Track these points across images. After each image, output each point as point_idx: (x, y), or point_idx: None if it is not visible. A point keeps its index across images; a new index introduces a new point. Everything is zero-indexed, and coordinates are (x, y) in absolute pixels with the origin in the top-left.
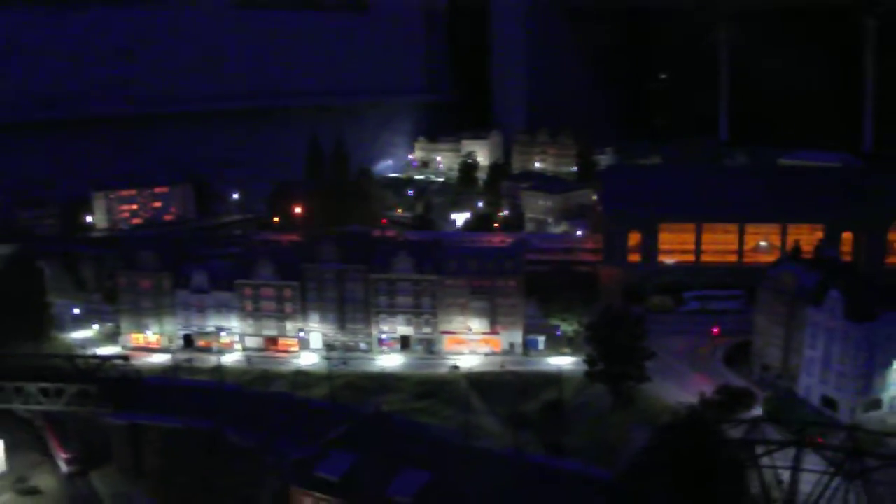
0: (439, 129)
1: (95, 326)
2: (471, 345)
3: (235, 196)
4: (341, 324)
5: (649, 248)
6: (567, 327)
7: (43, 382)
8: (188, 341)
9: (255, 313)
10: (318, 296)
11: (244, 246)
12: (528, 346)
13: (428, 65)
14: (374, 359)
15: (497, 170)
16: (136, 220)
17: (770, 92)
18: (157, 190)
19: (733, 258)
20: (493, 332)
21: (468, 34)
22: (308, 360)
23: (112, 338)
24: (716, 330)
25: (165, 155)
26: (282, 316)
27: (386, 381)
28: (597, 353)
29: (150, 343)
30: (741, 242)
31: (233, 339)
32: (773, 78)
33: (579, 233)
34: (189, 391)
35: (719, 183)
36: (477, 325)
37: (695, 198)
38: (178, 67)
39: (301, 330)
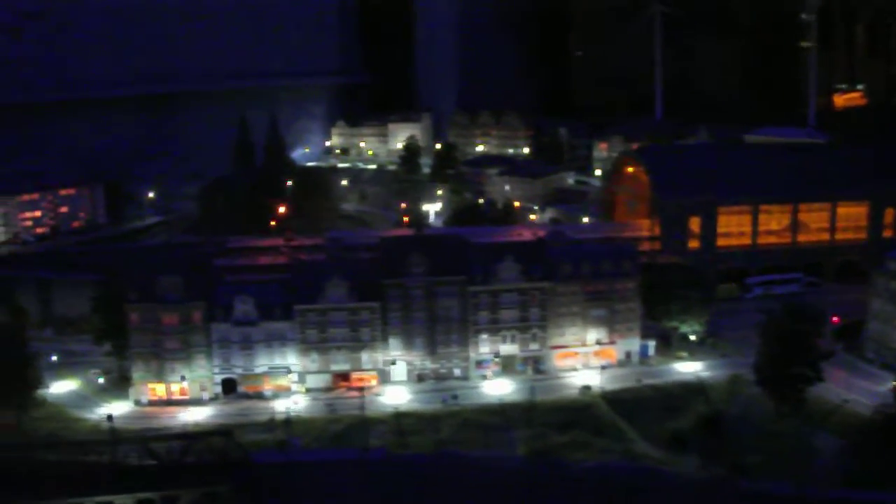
0: (356, 113)
1: (85, 376)
2: (584, 358)
3: (150, 195)
4: (431, 348)
5: (708, 233)
6: (687, 329)
7: (138, 492)
8: (229, 387)
9: (321, 345)
10: (404, 317)
11: (292, 261)
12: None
13: (342, 46)
14: (475, 387)
15: (446, 154)
16: (39, 230)
17: (701, 68)
18: (63, 192)
19: (787, 239)
20: (611, 341)
21: (383, 13)
22: (395, 397)
23: (112, 390)
24: (835, 319)
25: (66, 150)
26: (356, 345)
27: (509, 414)
28: (771, 353)
29: (174, 394)
30: (795, 223)
31: (291, 380)
32: (707, 54)
33: (586, 220)
34: (326, 468)
35: (768, 163)
36: (593, 335)
37: (748, 179)
38: (74, 48)
39: (392, 360)
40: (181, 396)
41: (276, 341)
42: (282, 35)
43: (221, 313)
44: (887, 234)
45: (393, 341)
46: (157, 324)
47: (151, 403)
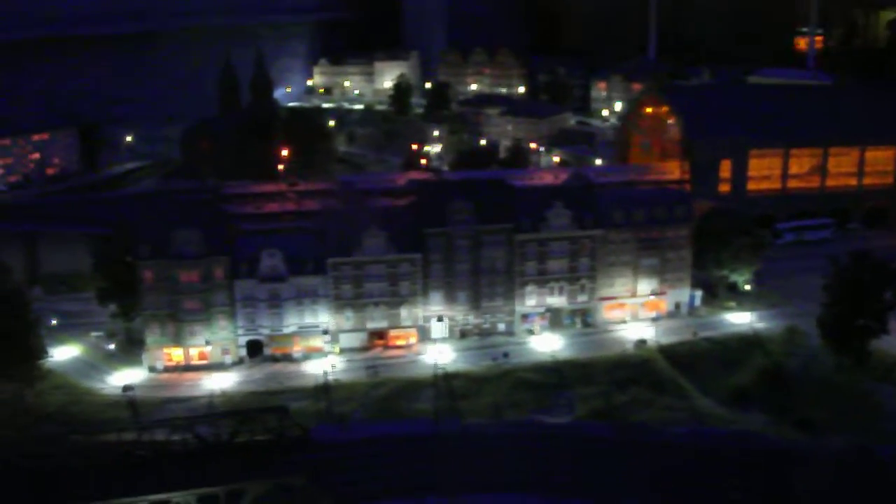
0: (339, 51)
1: (87, 340)
2: (633, 310)
3: (128, 139)
4: (475, 302)
5: (739, 177)
6: (738, 277)
7: (199, 487)
8: (254, 349)
9: (356, 301)
10: (446, 269)
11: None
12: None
13: None
14: (522, 342)
15: (439, 93)
16: (12, 178)
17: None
18: (36, 138)
19: (815, 184)
20: (662, 292)
21: None
22: (439, 355)
23: (121, 356)
24: None
25: (38, 93)
26: (394, 301)
27: (565, 371)
28: (839, 304)
29: (193, 359)
30: (825, 167)
31: (324, 340)
32: None
33: (598, 161)
34: (394, 443)
35: (797, 105)
36: (644, 285)
37: (778, 121)
38: None
39: (439, 317)
40: (200, 361)
41: (306, 298)
42: None
43: (246, 269)
44: None
45: (434, 295)
46: (174, 282)
47: (167, 370)
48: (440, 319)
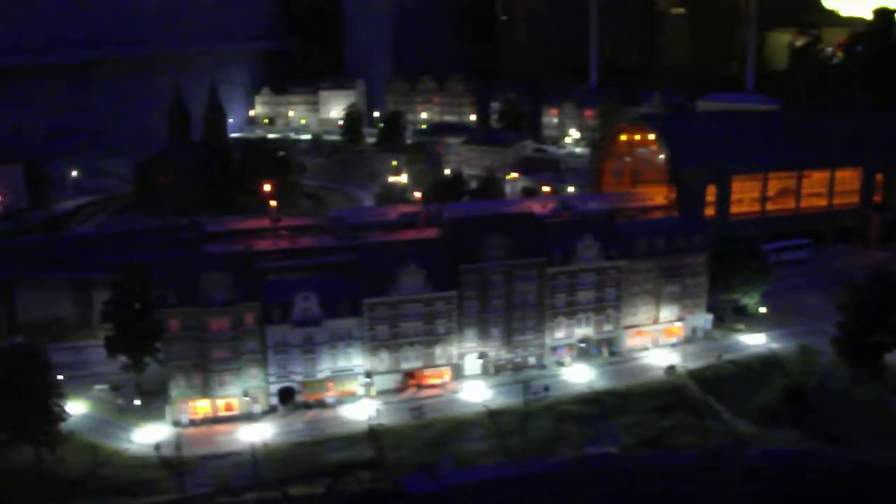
0: (280, 81)
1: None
2: (654, 337)
3: (74, 174)
4: (507, 337)
5: (723, 201)
6: (748, 300)
7: None
8: (286, 396)
9: (392, 342)
10: (480, 305)
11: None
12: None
13: (264, 8)
14: (554, 375)
15: (393, 122)
16: None
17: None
18: None
19: (791, 206)
20: (681, 318)
21: None
22: (475, 393)
23: (138, 411)
24: None
25: None
26: (430, 340)
27: (604, 401)
28: (856, 321)
29: (220, 409)
30: (799, 189)
31: (363, 383)
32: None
33: (571, 189)
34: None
35: (772, 130)
36: (667, 312)
37: (757, 146)
38: None
39: (478, 354)
40: (228, 412)
41: (341, 341)
42: None
43: (279, 313)
44: (877, 198)
45: (468, 332)
46: (203, 331)
47: (193, 423)
48: (481, 357)
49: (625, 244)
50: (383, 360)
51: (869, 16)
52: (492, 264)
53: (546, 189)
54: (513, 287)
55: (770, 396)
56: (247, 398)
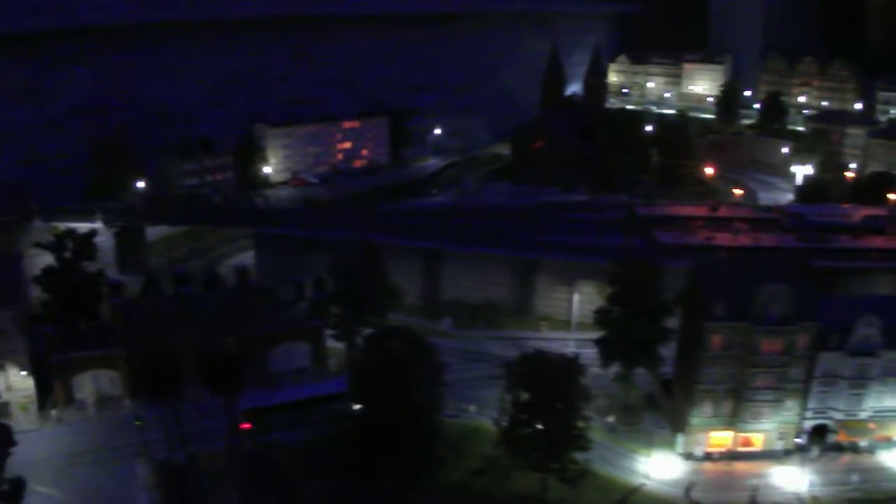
0: (634, 49)
1: None
2: None
3: (437, 132)
4: None
5: None
6: None
7: None
8: (819, 435)
9: None
10: None
11: None
12: None
13: None
14: None
15: (773, 104)
16: (320, 168)
17: None
18: (347, 125)
19: None
20: None
21: None
22: None
23: (628, 434)
24: None
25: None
26: None
27: None
28: None
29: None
30: None
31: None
32: None
33: None
34: None
35: None
36: None
37: None
38: None
39: None
40: (744, 447)
41: (892, 377)
42: None
43: (836, 339)
44: None
45: None
46: (752, 352)
47: (710, 457)
48: None
49: None
50: None
51: None
52: None
53: None
54: None
55: None
56: (776, 435)
